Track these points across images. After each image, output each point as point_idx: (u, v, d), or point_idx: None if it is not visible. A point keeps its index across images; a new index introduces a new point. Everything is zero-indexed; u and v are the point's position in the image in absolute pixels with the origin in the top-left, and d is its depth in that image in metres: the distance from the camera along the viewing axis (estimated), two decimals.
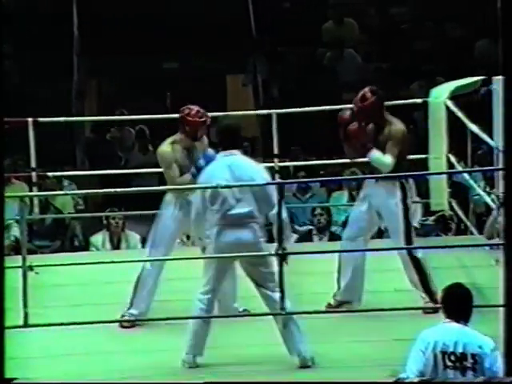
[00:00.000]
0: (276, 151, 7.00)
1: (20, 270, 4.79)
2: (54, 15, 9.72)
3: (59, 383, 4.54)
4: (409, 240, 5.40)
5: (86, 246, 7.66)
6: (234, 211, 4.75)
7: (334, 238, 7.56)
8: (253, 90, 9.87)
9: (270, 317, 4.87)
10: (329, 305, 5.41)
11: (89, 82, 10.08)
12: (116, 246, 7.56)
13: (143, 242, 7.71)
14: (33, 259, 4.99)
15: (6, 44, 9.62)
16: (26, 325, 4.78)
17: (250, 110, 9.16)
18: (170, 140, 5.48)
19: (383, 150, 5.35)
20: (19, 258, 4.88)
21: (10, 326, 4.83)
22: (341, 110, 5.64)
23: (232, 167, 4.80)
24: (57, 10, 9.77)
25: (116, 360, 4.92)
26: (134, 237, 7.62)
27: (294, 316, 4.81)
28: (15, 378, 4.32)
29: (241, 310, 5.37)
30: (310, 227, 7.77)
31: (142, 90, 9.87)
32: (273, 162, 6.97)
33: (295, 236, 7.93)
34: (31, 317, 4.81)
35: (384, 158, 5.35)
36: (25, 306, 4.76)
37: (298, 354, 4.78)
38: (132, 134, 9.51)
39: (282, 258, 4.89)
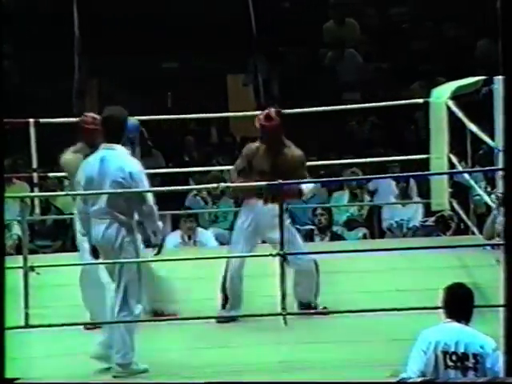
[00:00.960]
0: None
1: (21, 271, 4.79)
2: (54, 15, 9.73)
3: (59, 383, 4.53)
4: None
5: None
6: (94, 207, 4.69)
7: (336, 237, 7.56)
8: (253, 89, 9.88)
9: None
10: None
11: (89, 81, 10.08)
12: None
13: (145, 242, 7.70)
14: (34, 259, 4.98)
15: (7, 44, 9.63)
16: (26, 325, 4.78)
17: (251, 109, 9.16)
18: (72, 149, 5.45)
19: (281, 172, 5.25)
20: (20, 258, 4.88)
21: (11, 326, 4.85)
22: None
23: (103, 161, 4.71)
24: (57, 10, 9.77)
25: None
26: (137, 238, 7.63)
27: None
28: (17, 378, 4.32)
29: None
30: (311, 227, 7.77)
31: (142, 89, 9.87)
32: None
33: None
34: (32, 317, 4.81)
35: (311, 186, 5.43)
36: (26, 306, 4.75)
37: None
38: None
39: (284, 258, 4.90)
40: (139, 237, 4.80)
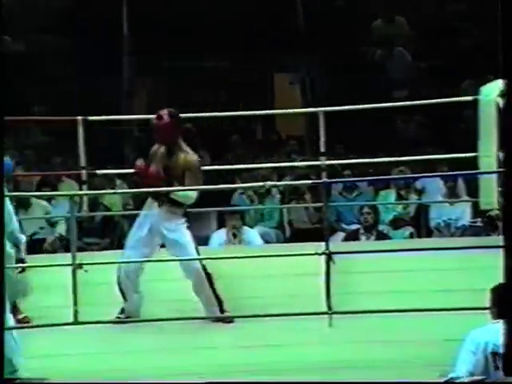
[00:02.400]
0: (323, 150, 6.98)
1: (70, 268, 4.84)
2: (104, 14, 9.81)
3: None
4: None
5: None
6: None
7: (382, 236, 7.52)
8: (300, 88, 9.86)
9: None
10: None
11: (138, 80, 10.15)
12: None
13: None
14: (82, 257, 5.03)
15: (64, 43, 9.75)
16: (75, 322, 4.83)
17: (298, 108, 9.15)
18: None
19: (173, 174, 5.32)
20: (68, 255, 4.93)
21: (60, 323, 4.91)
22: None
23: None
24: (107, 10, 9.85)
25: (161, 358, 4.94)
26: None
27: None
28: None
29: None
30: (357, 226, 7.73)
31: (190, 88, 9.91)
32: (319, 160, 6.96)
33: (342, 234, 7.91)
34: (81, 314, 4.86)
35: (188, 193, 5.38)
36: (74, 303, 4.80)
37: None
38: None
39: (329, 257, 4.88)
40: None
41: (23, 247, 4.65)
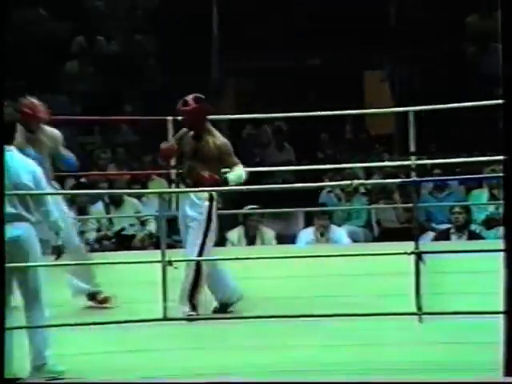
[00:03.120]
0: (412, 149, 6.90)
1: (159, 265, 4.89)
2: (194, 14, 9.89)
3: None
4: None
5: (222, 242, 7.77)
6: (5, 210, 4.56)
7: (474, 236, 7.39)
8: (390, 85, 9.76)
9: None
10: None
11: (227, 79, 10.21)
12: (251, 242, 7.64)
13: (278, 238, 7.76)
14: (171, 254, 5.08)
15: (150, 43, 9.87)
16: (165, 318, 4.88)
17: (388, 106, 9.07)
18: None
19: (202, 158, 5.44)
20: (158, 252, 4.99)
21: (150, 319, 4.97)
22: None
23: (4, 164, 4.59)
24: (197, 10, 9.94)
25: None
26: (269, 233, 7.69)
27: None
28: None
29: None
30: (448, 225, 7.62)
31: (279, 87, 9.92)
32: (409, 159, 6.87)
33: (432, 234, 7.80)
34: (170, 310, 4.91)
35: (238, 173, 5.45)
36: (164, 299, 4.85)
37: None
38: (268, 131, 9.57)
39: (419, 257, 4.82)
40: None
41: (62, 235, 4.80)
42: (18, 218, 4.68)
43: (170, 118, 6.75)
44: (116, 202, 8.06)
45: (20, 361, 4.54)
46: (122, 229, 8.08)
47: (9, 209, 4.63)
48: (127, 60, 9.82)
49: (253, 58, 9.87)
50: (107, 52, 9.95)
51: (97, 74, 9.71)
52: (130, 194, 8.11)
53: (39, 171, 4.76)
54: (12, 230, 4.62)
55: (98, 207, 8.05)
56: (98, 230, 8.01)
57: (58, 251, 4.78)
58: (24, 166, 4.72)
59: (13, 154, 4.70)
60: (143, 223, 8.16)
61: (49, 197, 4.77)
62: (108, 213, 8.01)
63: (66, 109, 9.01)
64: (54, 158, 5.70)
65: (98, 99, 9.12)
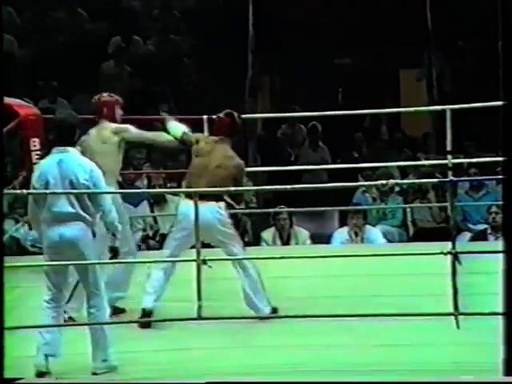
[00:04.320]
0: (449, 147, 6.85)
1: (194, 264, 4.90)
2: (229, 13, 9.91)
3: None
4: None
5: (256, 241, 7.77)
6: (56, 208, 4.69)
7: None
8: (427, 84, 9.70)
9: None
10: None
11: (262, 78, 10.21)
12: (285, 241, 7.63)
13: (312, 238, 7.74)
14: (206, 253, 5.09)
15: (184, 43, 9.90)
16: (199, 317, 4.89)
17: (424, 105, 9.01)
18: None
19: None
20: (193, 251, 5.00)
21: (184, 318, 4.98)
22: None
23: (61, 164, 4.75)
24: (232, 9, 9.95)
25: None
26: (303, 233, 7.67)
27: None
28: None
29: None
30: (485, 226, 7.55)
31: (314, 86, 9.90)
32: (446, 158, 6.83)
33: (468, 234, 7.73)
34: (205, 309, 4.91)
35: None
36: (199, 298, 4.86)
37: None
38: (303, 130, 9.55)
39: (455, 257, 4.78)
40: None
41: (119, 236, 4.84)
42: (75, 217, 4.71)
43: (205, 116, 6.77)
44: (158, 201, 8.07)
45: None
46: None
47: (67, 207, 4.68)
48: (163, 59, 9.86)
49: (288, 58, 9.86)
50: (143, 52, 9.99)
51: (133, 74, 9.76)
52: (172, 193, 8.11)
53: (97, 171, 4.79)
54: (67, 230, 4.68)
55: (143, 207, 8.04)
56: (144, 230, 8.01)
57: (114, 251, 4.81)
58: (81, 165, 4.77)
59: (69, 154, 4.76)
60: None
61: (108, 197, 4.80)
62: (152, 212, 8.02)
63: None
64: None
65: (134, 98, 9.15)
